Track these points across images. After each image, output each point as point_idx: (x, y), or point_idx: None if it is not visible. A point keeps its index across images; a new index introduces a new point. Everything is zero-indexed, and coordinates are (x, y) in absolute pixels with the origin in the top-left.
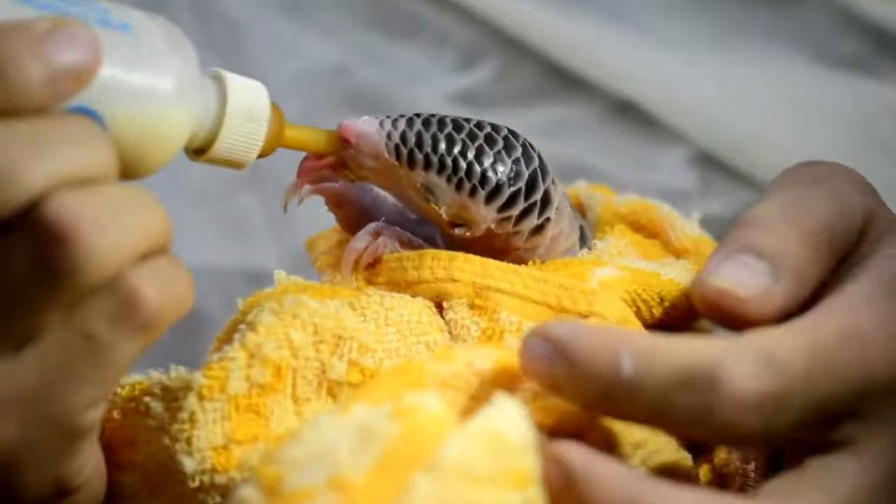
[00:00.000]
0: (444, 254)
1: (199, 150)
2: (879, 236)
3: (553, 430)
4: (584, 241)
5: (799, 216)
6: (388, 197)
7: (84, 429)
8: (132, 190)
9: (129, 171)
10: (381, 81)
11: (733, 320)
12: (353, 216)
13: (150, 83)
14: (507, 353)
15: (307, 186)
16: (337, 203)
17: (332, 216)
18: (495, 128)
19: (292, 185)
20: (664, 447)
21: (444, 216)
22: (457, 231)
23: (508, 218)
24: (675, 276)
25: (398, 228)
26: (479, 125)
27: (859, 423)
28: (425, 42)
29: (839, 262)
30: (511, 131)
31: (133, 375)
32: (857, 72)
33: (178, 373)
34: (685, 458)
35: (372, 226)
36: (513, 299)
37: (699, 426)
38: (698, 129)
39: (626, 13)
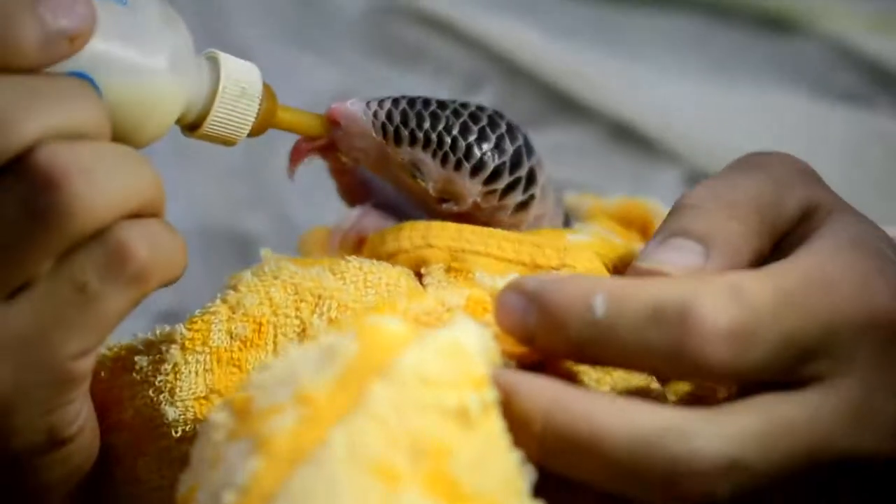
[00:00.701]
0: (421, 224)
1: (192, 127)
2: (826, 216)
3: (521, 360)
4: (567, 227)
5: (727, 195)
6: None
7: (76, 376)
8: (125, 149)
9: (122, 141)
10: None
11: None
12: (354, 185)
13: (145, 54)
14: (477, 291)
15: (312, 153)
16: (339, 171)
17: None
18: (480, 107)
19: (289, 164)
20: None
21: (431, 192)
22: (444, 206)
23: (493, 191)
24: None
25: (383, 212)
26: (464, 105)
27: (827, 361)
28: (426, 69)
29: (779, 239)
30: (496, 112)
31: (122, 340)
32: (850, 104)
33: (162, 329)
34: (653, 382)
35: (358, 208)
36: (488, 259)
37: (672, 363)
38: (693, 151)
39: (626, 43)
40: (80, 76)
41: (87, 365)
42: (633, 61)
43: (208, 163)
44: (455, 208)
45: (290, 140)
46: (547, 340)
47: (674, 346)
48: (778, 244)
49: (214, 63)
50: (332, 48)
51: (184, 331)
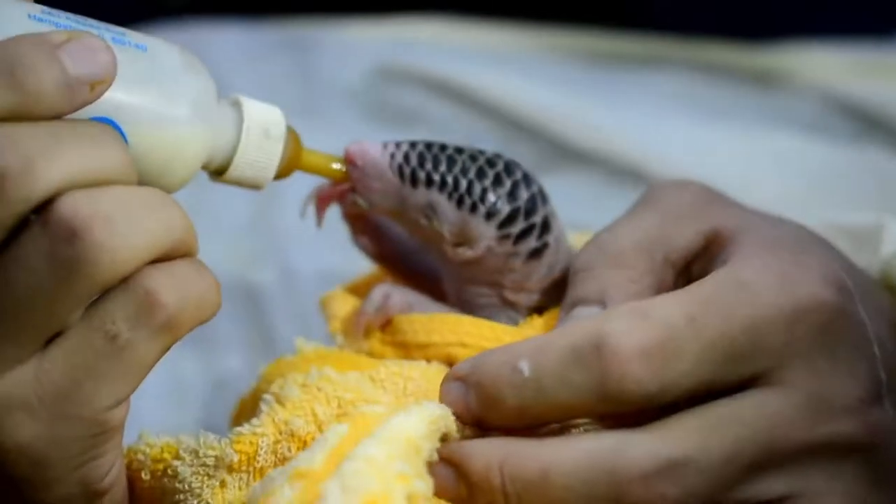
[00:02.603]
0: (451, 318)
1: (219, 172)
2: (730, 239)
3: None
4: None
5: (611, 247)
6: None
7: (109, 427)
8: (150, 192)
9: (149, 186)
10: None
11: None
12: (368, 228)
13: (166, 101)
14: None
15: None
16: (353, 215)
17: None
18: (497, 154)
19: (308, 200)
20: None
21: (445, 235)
22: (458, 250)
23: (508, 236)
24: None
25: (407, 289)
26: (480, 151)
27: (762, 359)
28: (427, 130)
29: (685, 268)
30: (512, 160)
31: (163, 437)
32: (841, 144)
33: (206, 439)
34: None
35: (382, 288)
36: None
37: (602, 397)
38: None
39: (619, 96)
40: (106, 121)
41: (120, 415)
42: (627, 110)
43: (216, 220)
44: (469, 253)
45: (294, 194)
46: (491, 415)
47: (597, 378)
48: (688, 273)
49: (238, 107)
50: (331, 115)
51: (230, 451)
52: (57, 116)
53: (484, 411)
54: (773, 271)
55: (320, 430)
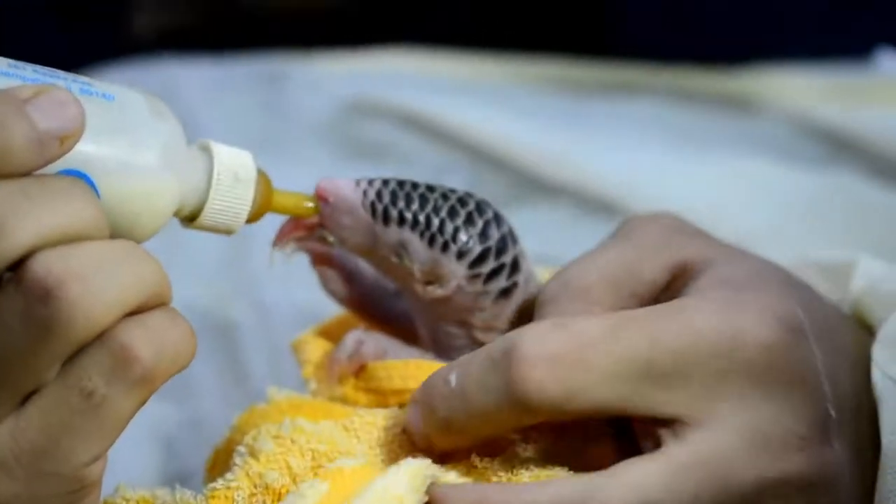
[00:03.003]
0: (426, 364)
1: (190, 218)
2: (697, 273)
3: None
4: None
5: (577, 281)
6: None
7: (87, 483)
8: (121, 245)
9: (121, 236)
10: None
11: None
12: (337, 276)
13: (135, 150)
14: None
15: (293, 245)
16: (321, 261)
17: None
18: (468, 193)
19: (274, 242)
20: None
21: (416, 274)
22: (429, 289)
23: (478, 276)
24: None
25: (380, 335)
26: (452, 190)
27: (686, 390)
28: (397, 163)
29: (651, 302)
30: (483, 199)
31: (140, 490)
32: (812, 168)
33: (182, 494)
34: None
35: (355, 334)
36: None
37: (514, 404)
38: None
39: (589, 125)
40: (77, 174)
41: (98, 470)
42: (598, 139)
43: (191, 258)
44: (439, 291)
45: (269, 233)
46: (430, 430)
47: (506, 383)
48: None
49: (207, 152)
50: (300, 149)
51: None
52: (27, 172)
53: (426, 428)
54: (717, 304)
55: (294, 482)
